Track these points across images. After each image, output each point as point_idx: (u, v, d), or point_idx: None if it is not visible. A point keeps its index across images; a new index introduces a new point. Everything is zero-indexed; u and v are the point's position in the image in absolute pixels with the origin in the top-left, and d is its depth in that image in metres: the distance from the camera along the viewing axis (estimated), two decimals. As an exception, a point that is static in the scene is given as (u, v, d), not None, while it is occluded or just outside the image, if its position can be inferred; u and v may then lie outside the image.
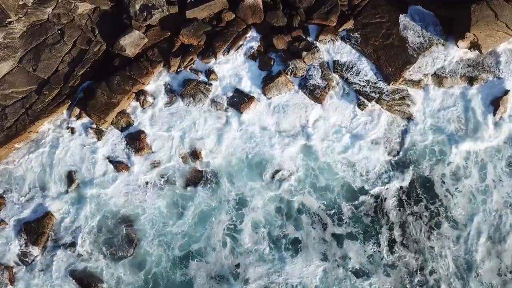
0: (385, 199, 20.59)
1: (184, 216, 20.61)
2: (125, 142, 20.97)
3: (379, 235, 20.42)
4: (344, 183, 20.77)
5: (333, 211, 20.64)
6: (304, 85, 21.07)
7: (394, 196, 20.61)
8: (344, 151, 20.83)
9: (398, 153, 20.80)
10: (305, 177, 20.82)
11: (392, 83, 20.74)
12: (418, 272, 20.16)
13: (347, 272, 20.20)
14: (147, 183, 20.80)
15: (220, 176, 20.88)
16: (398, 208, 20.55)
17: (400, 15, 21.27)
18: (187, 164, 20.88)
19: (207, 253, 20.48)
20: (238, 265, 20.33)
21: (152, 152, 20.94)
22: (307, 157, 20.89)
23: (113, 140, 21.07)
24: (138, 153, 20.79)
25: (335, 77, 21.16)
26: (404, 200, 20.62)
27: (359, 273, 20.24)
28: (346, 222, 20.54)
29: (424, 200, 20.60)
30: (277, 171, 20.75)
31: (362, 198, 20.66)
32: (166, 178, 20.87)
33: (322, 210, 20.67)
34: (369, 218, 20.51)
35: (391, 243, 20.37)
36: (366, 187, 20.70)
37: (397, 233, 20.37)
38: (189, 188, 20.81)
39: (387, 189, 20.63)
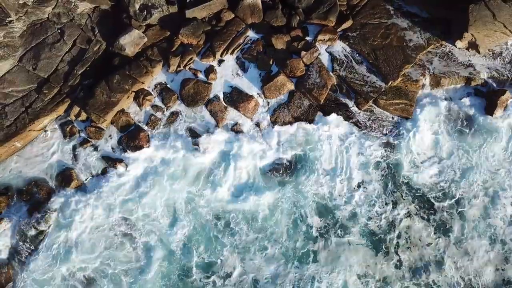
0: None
1: None
2: (125, 141, 21.00)
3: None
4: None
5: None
6: (303, 84, 21.17)
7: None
8: None
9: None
10: None
11: (390, 82, 20.83)
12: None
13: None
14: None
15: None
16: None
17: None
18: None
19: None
20: None
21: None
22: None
23: (112, 139, 21.09)
24: (138, 152, 20.81)
25: (334, 76, 21.27)
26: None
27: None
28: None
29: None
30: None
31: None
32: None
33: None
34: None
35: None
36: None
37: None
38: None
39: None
